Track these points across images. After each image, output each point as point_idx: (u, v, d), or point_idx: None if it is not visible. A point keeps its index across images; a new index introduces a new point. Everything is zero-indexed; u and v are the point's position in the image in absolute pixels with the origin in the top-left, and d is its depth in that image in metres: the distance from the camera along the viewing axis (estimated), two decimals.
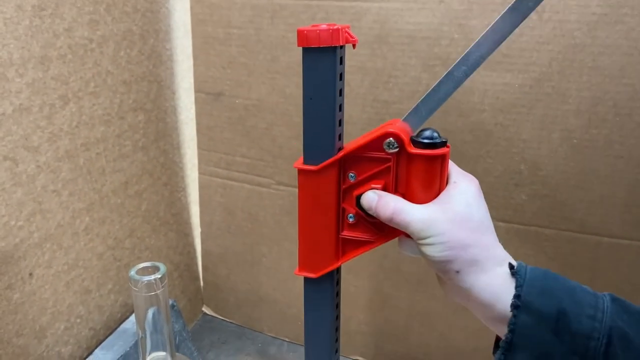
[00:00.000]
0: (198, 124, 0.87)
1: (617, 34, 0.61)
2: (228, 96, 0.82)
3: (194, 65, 0.84)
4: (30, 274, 0.59)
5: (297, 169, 0.46)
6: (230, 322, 0.95)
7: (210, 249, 0.93)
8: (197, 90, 0.85)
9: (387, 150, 0.44)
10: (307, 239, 0.48)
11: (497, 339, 0.44)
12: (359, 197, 0.45)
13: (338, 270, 0.51)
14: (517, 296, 0.38)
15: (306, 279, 0.49)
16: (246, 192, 0.86)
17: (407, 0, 0.67)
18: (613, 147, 0.64)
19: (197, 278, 0.97)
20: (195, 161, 0.90)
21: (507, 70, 0.66)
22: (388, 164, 0.44)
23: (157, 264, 0.46)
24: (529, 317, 0.38)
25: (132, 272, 0.45)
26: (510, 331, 0.39)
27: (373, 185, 0.45)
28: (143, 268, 0.45)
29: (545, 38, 0.63)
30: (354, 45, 0.45)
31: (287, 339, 0.91)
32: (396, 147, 0.43)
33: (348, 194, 0.46)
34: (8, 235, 0.55)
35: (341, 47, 0.44)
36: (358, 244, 0.47)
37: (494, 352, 0.43)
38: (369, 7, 0.70)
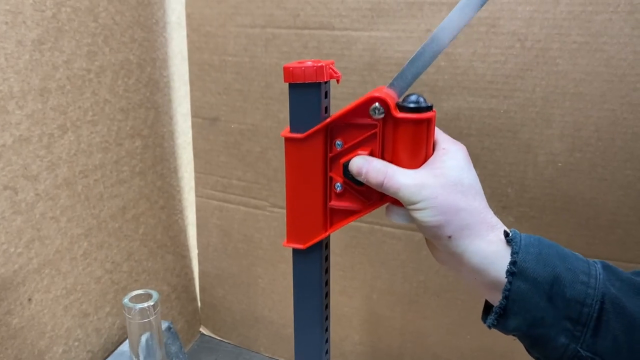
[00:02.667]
0: (195, 148, 0.89)
1: (597, 61, 0.63)
2: (224, 121, 0.84)
3: (191, 91, 0.86)
4: (29, 299, 0.61)
5: (283, 138, 0.46)
6: (228, 343, 0.96)
7: (208, 270, 0.95)
8: (194, 115, 0.87)
9: (373, 116, 0.44)
10: (294, 209, 0.48)
11: (487, 304, 0.44)
12: (346, 165, 0.45)
13: (327, 245, 0.51)
14: (513, 263, 0.39)
15: (294, 251, 0.49)
16: (242, 215, 0.88)
17: (395, 30, 0.70)
18: (597, 170, 0.66)
19: (195, 299, 0.98)
20: (193, 184, 0.92)
21: (493, 96, 0.68)
22: (374, 130, 0.44)
23: (150, 291, 0.47)
24: (524, 283, 0.39)
25: (126, 300, 0.46)
26: (505, 297, 0.39)
27: (360, 152, 0.45)
28: (136, 295, 0.47)
29: (529, 65, 0.65)
30: (337, 81, 0.47)
31: (283, 359, 0.92)
32: (382, 113, 0.43)
33: (335, 162, 0.46)
34: (7, 262, 0.57)
35: (326, 82, 0.46)
36: (346, 214, 0.48)
37: (484, 318, 0.44)
38: (359, 36, 0.72)
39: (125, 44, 0.73)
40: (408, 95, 0.44)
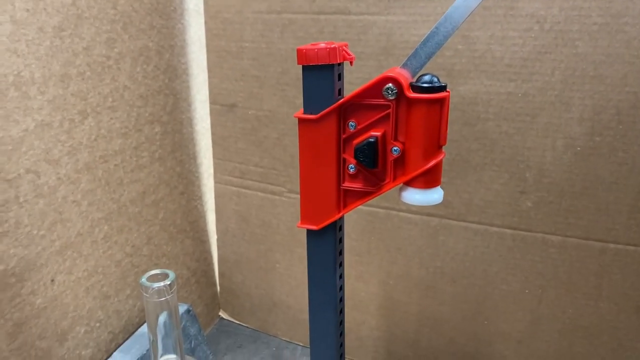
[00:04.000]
0: (213, 134, 0.90)
1: (618, 42, 0.61)
2: (241, 107, 0.85)
3: (209, 78, 0.87)
4: (52, 280, 0.62)
5: (298, 119, 0.47)
6: (246, 327, 0.97)
7: (226, 256, 0.96)
8: (212, 102, 0.88)
9: (386, 97, 0.44)
10: (308, 190, 0.49)
11: None
12: (357, 147, 0.45)
13: (341, 227, 0.52)
14: None
15: (308, 232, 0.50)
16: (259, 200, 0.88)
17: (412, 13, 0.69)
18: (617, 154, 0.65)
19: (214, 284, 0.99)
20: (212, 170, 0.92)
21: (511, 80, 0.67)
22: (388, 111, 0.44)
23: (167, 271, 0.48)
24: None
25: (143, 279, 0.47)
26: None
27: (372, 133, 0.45)
28: (153, 275, 0.48)
29: (548, 48, 0.64)
30: (351, 63, 0.47)
31: (300, 344, 0.93)
32: (395, 93, 0.43)
33: (348, 143, 0.47)
34: (31, 244, 0.59)
35: (339, 64, 0.46)
36: (359, 195, 0.48)
37: None
38: (375, 21, 0.71)
39: (143, 31, 0.74)
40: (422, 76, 0.44)
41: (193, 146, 0.89)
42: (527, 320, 0.76)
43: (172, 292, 0.47)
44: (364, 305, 0.85)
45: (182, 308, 0.77)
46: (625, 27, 0.61)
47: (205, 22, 0.84)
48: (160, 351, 0.49)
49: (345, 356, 0.89)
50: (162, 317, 0.48)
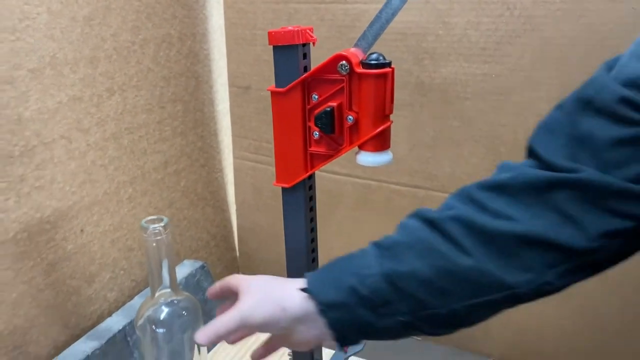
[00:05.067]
0: (232, 114, 1.00)
1: (579, 27, 0.67)
2: (255, 89, 0.94)
3: (228, 62, 0.97)
4: (82, 230, 0.74)
5: (270, 92, 0.55)
6: None
7: (244, 224, 1.06)
8: (231, 84, 0.98)
9: (340, 72, 0.51)
10: (280, 154, 0.57)
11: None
12: (317, 115, 0.53)
13: (311, 187, 0.60)
14: (318, 304, 0.46)
15: (283, 190, 0.59)
16: (271, 174, 0.98)
17: None
18: None
19: (234, 249, 1.10)
20: (231, 147, 1.03)
21: (485, 62, 0.73)
22: (342, 85, 0.52)
23: (162, 217, 0.58)
24: (333, 311, 0.46)
25: (143, 222, 0.57)
26: (333, 330, 0.47)
27: (330, 104, 0.53)
28: (151, 219, 0.58)
29: (517, 32, 0.70)
30: (313, 43, 0.55)
31: None
32: (347, 69, 0.51)
33: (312, 113, 0.54)
34: (63, 198, 0.70)
35: (303, 45, 0.55)
36: (323, 157, 0.56)
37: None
38: (367, 9, 0.79)
39: (166, 20, 0.85)
40: (370, 54, 0.52)
41: (214, 124, 1.00)
42: None
43: (166, 233, 0.57)
44: None
45: (197, 264, 0.88)
46: (586, 12, 0.66)
47: (225, 12, 0.94)
48: (157, 285, 0.60)
49: None
50: (158, 255, 0.58)
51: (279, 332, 0.50)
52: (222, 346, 0.86)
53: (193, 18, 0.90)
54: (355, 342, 0.49)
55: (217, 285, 0.54)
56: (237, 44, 0.94)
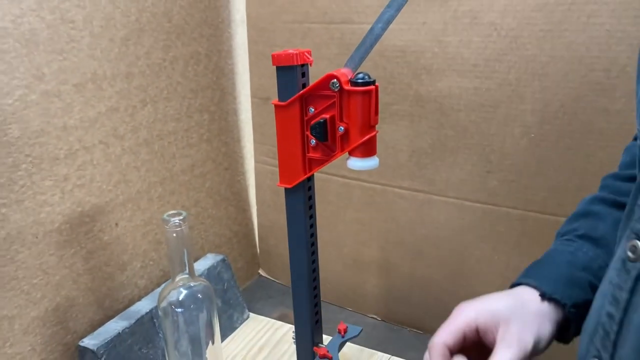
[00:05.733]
0: (253, 122, 1.10)
1: (560, 46, 0.73)
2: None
3: (250, 76, 1.07)
4: (116, 224, 0.85)
5: (274, 105, 0.64)
6: (279, 283, 1.17)
7: (264, 223, 1.16)
8: (253, 95, 1.08)
9: (332, 89, 0.60)
10: (283, 159, 0.66)
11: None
12: (312, 125, 0.62)
13: (310, 187, 0.68)
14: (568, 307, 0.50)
15: (285, 190, 0.67)
16: None
17: (398, 22, 0.84)
18: (564, 140, 0.77)
19: (254, 246, 1.20)
20: (253, 152, 1.12)
21: (476, 77, 0.80)
22: (334, 100, 0.60)
23: (181, 211, 0.68)
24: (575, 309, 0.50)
25: (165, 216, 0.67)
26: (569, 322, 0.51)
27: (323, 116, 0.61)
28: (171, 214, 0.68)
29: (504, 50, 0.77)
30: (310, 64, 0.64)
31: None
32: (338, 86, 0.59)
33: (309, 124, 0.63)
34: (101, 195, 0.81)
35: (302, 65, 0.63)
36: (319, 162, 0.64)
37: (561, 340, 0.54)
38: None
39: (195, 39, 0.95)
40: (358, 73, 0.61)
41: (237, 131, 1.09)
42: (498, 282, 0.88)
43: (184, 226, 0.67)
44: (366, 267, 1.01)
45: (219, 257, 0.97)
46: (564, 33, 0.73)
47: (248, 30, 1.04)
48: (177, 271, 0.69)
49: (352, 310, 1.06)
50: (177, 245, 0.68)
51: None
52: (234, 337, 0.96)
53: (219, 36, 1.01)
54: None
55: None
56: (259, 60, 1.04)
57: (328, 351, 0.73)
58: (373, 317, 1.04)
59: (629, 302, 0.39)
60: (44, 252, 0.72)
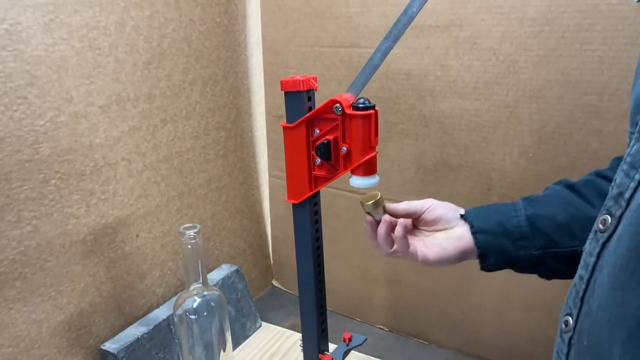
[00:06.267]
0: (268, 139, 1.15)
1: (554, 70, 0.77)
2: None
3: (265, 95, 1.12)
4: (137, 235, 0.90)
5: (282, 127, 0.69)
6: (291, 293, 1.21)
7: (277, 235, 1.21)
8: (267, 113, 1.13)
9: (335, 112, 0.64)
10: (291, 176, 0.70)
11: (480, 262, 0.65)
12: (317, 146, 0.66)
13: (316, 203, 0.73)
14: (471, 227, 0.63)
15: (293, 205, 0.72)
16: None
17: (403, 47, 0.89)
18: (559, 159, 0.80)
19: (268, 257, 1.25)
20: (267, 167, 1.18)
21: (477, 99, 0.85)
22: (337, 122, 0.65)
23: (195, 224, 0.73)
24: (483, 235, 0.62)
25: (180, 229, 0.72)
26: (478, 247, 0.62)
27: (327, 137, 0.66)
28: (187, 226, 0.73)
29: (503, 74, 0.81)
30: (316, 89, 0.69)
31: (329, 309, 1.15)
32: (340, 110, 0.64)
33: (315, 144, 0.67)
34: (123, 208, 0.87)
35: (307, 90, 0.68)
36: (324, 179, 0.69)
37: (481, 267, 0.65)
38: None
39: (212, 61, 1.01)
40: (359, 99, 0.65)
41: (252, 147, 1.15)
42: (501, 295, 0.92)
43: (199, 237, 0.72)
44: (374, 279, 1.05)
45: (233, 268, 1.02)
46: (559, 58, 0.77)
47: (263, 53, 1.10)
48: (192, 280, 0.74)
49: (360, 321, 1.10)
50: (192, 255, 0.73)
51: (442, 227, 0.66)
52: (246, 344, 1.01)
53: (235, 59, 1.06)
54: (492, 265, 0.63)
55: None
56: (273, 80, 1.10)
57: (333, 358, 0.77)
58: (381, 328, 1.08)
59: (595, 264, 0.45)
60: (70, 261, 0.78)
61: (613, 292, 0.41)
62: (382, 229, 0.67)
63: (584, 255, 0.48)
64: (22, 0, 0.67)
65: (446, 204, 0.67)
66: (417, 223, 0.69)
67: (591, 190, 0.61)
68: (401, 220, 0.65)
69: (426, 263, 0.65)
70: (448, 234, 0.65)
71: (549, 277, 0.63)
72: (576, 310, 0.47)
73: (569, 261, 0.58)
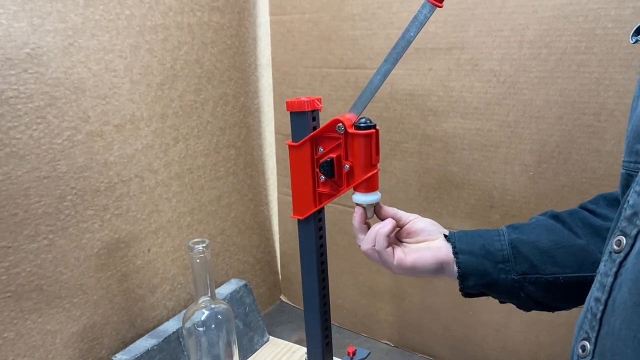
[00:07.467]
0: (277, 157, 1.18)
1: (553, 91, 0.80)
2: None
3: (274, 114, 1.16)
4: (149, 250, 0.93)
5: (288, 145, 0.71)
6: (299, 309, 1.23)
7: (286, 251, 1.23)
8: (276, 132, 1.16)
9: (338, 132, 0.67)
10: (296, 193, 0.73)
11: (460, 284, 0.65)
12: (320, 164, 0.69)
13: (320, 219, 0.75)
14: (454, 247, 0.63)
15: (298, 220, 0.74)
16: None
17: (407, 68, 0.92)
18: (559, 178, 0.82)
19: (276, 272, 1.27)
20: (276, 184, 1.21)
21: (478, 119, 0.87)
22: (339, 141, 0.68)
23: (204, 239, 0.76)
24: (465, 256, 0.62)
25: (190, 243, 0.75)
26: (459, 267, 0.62)
27: (330, 155, 0.68)
28: (196, 241, 0.76)
29: (503, 95, 0.84)
30: (320, 110, 0.72)
31: (336, 324, 1.16)
32: (343, 129, 0.67)
33: (319, 162, 0.70)
34: (135, 223, 0.90)
35: (312, 111, 0.71)
36: (327, 196, 0.71)
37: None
38: None
39: (224, 82, 1.05)
40: (360, 118, 0.68)
41: (262, 165, 1.18)
42: (503, 312, 0.93)
43: (207, 252, 0.75)
44: (380, 295, 1.07)
45: (241, 283, 1.05)
46: (557, 79, 0.79)
47: (272, 74, 1.13)
48: (200, 294, 0.77)
49: (367, 336, 1.12)
50: (200, 269, 0.76)
51: (424, 238, 0.67)
52: (254, 358, 1.02)
53: (246, 79, 1.10)
54: (471, 287, 0.63)
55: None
56: (282, 99, 1.13)
57: None
58: (386, 343, 1.10)
59: (613, 284, 0.45)
60: (84, 274, 0.81)
61: (637, 308, 0.41)
62: (369, 213, 0.70)
63: (598, 277, 0.48)
64: (44, 26, 0.71)
65: (430, 220, 0.69)
66: (399, 235, 0.70)
67: (575, 220, 0.62)
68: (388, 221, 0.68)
69: (401, 267, 0.65)
70: (428, 244, 0.66)
71: (527, 308, 0.63)
72: (594, 333, 0.47)
73: (549, 289, 0.59)
